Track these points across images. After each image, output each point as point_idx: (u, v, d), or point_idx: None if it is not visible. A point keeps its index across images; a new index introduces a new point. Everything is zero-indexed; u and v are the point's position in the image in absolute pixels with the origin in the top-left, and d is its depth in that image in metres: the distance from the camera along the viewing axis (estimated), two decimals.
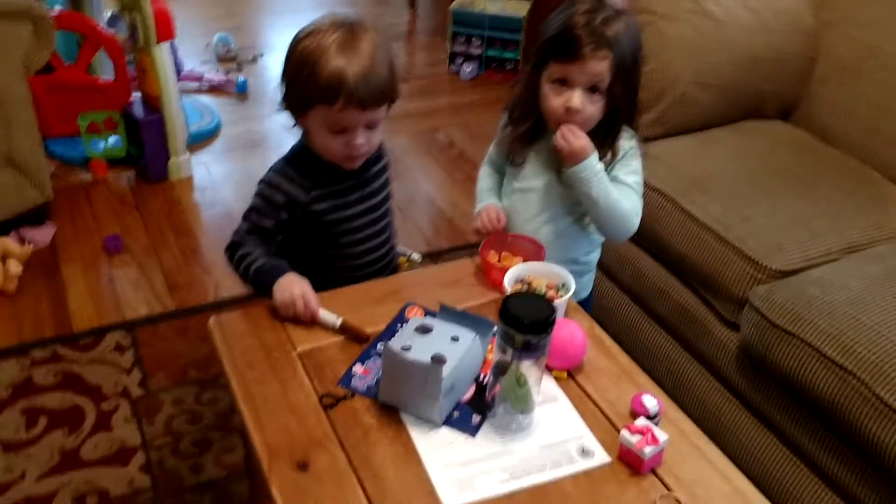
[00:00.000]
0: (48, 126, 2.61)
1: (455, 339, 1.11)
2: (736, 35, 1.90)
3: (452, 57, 3.60)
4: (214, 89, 3.31)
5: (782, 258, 1.54)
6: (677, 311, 1.73)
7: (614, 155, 1.40)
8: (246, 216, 1.36)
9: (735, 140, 1.91)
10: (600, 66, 1.31)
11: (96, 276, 2.23)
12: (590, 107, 1.34)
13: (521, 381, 1.05)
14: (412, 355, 1.06)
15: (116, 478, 1.64)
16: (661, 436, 1.03)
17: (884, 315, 1.36)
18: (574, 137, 1.33)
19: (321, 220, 1.37)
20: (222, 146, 2.95)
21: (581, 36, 1.29)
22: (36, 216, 2.36)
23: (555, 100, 1.35)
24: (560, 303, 1.21)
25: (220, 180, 2.72)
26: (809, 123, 2.00)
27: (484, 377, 1.14)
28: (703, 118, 1.95)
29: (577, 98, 1.33)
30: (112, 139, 2.69)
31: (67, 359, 1.93)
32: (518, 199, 1.48)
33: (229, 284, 2.20)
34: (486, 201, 1.52)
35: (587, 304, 1.55)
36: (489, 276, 1.37)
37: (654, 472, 1.04)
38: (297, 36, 1.28)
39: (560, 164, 1.39)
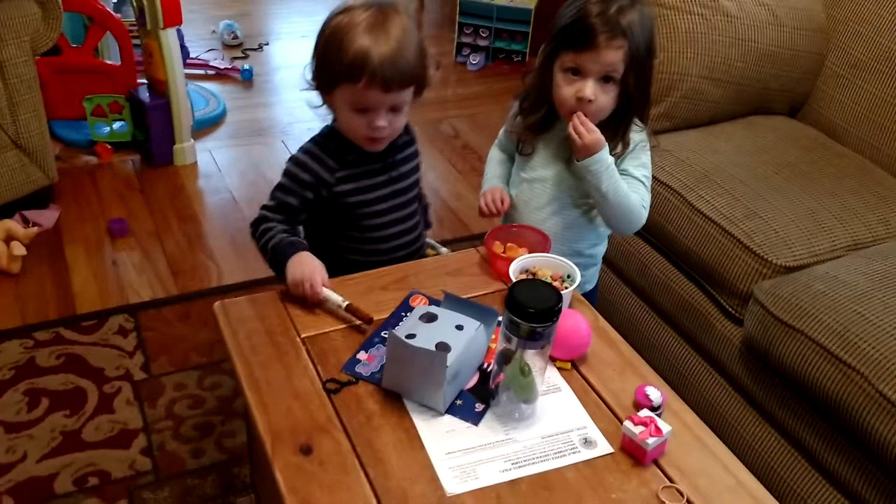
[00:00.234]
0: (54, 108, 2.61)
1: (459, 327, 1.11)
2: (748, 30, 1.89)
3: (459, 48, 3.58)
4: (220, 76, 3.31)
5: (788, 254, 1.54)
6: (681, 305, 1.73)
7: (625, 147, 1.39)
8: (273, 193, 1.38)
9: (742, 135, 1.91)
10: (615, 56, 1.30)
11: (100, 260, 2.23)
12: (602, 97, 1.33)
13: (525, 371, 1.05)
14: (417, 343, 1.06)
15: (118, 460, 1.64)
16: (664, 427, 1.03)
17: (888, 312, 1.35)
18: (586, 131, 1.32)
19: (346, 201, 1.36)
20: (227, 133, 2.94)
21: (596, 24, 1.28)
22: (41, 198, 2.36)
23: (567, 89, 1.34)
24: (565, 294, 1.21)
25: (225, 167, 2.71)
26: (817, 120, 2.00)
27: (488, 366, 1.14)
28: (711, 113, 1.94)
29: (589, 88, 1.32)
30: (117, 123, 2.69)
31: (70, 341, 1.93)
32: (526, 188, 1.48)
33: (232, 270, 2.20)
34: (493, 184, 1.51)
35: (592, 297, 1.55)
36: (494, 266, 1.36)
37: (656, 463, 1.05)
38: (330, 13, 1.29)
39: (570, 154, 1.38)
